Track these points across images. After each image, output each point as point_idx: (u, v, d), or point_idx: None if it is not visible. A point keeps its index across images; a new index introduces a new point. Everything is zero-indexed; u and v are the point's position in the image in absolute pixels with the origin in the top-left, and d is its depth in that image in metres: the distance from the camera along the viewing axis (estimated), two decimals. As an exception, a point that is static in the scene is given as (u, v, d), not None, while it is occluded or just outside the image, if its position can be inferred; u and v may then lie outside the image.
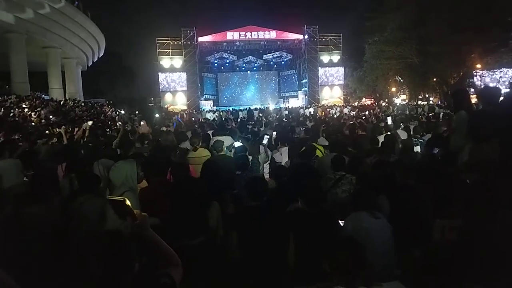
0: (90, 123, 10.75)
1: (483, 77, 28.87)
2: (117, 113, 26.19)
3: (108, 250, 1.46)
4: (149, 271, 1.75)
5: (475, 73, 29.27)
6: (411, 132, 7.19)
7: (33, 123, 15.88)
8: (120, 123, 11.75)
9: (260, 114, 20.20)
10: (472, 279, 2.35)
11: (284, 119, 15.92)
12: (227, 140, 6.77)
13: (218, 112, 28.31)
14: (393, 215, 3.31)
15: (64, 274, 1.72)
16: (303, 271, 2.86)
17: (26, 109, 19.50)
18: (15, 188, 4.43)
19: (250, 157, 5.57)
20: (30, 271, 1.88)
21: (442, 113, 14.18)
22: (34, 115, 18.37)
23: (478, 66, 27.47)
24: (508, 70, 28.86)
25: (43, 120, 17.39)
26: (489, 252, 2.31)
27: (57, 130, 9.87)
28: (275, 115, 19.38)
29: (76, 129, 10.34)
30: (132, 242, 1.63)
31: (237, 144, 6.17)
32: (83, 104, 28.15)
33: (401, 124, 7.96)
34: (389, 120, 7.76)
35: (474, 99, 6.38)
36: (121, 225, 1.76)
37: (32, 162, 5.41)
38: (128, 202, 1.78)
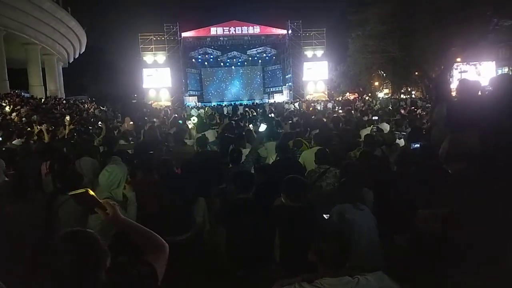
0: (68, 118, 10.59)
1: (463, 72, 29.33)
2: (100, 110, 25.73)
3: (71, 247, 1.40)
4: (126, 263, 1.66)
5: (455, 67, 29.76)
6: (393, 126, 7.29)
7: (13, 122, 15.50)
8: (101, 121, 11.55)
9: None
10: (456, 267, 2.42)
11: (269, 114, 15.88)
12: (210, 135, 6.75)
13: (203, 108, 28.06)
14: (377, 207, 3.37)
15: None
16: (289, 263, 2.89)
17: (7, 108, 19.04)
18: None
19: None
20: (14, 268, 1.86)
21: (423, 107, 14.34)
22: (15, 113, 17.95)
23: (459, 59, 27.90)
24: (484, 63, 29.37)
25: (23, 119, 16.98)
26: (472, 240, 2.37)
27: (38, 127, 9.66)
28: (260, 110, 19.29)
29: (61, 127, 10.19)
30: (99, 236, 1.54)
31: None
32: (64, 101, 27.60)
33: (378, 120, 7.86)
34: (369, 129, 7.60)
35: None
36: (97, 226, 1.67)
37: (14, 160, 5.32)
38: (91, 192, 1.63)
